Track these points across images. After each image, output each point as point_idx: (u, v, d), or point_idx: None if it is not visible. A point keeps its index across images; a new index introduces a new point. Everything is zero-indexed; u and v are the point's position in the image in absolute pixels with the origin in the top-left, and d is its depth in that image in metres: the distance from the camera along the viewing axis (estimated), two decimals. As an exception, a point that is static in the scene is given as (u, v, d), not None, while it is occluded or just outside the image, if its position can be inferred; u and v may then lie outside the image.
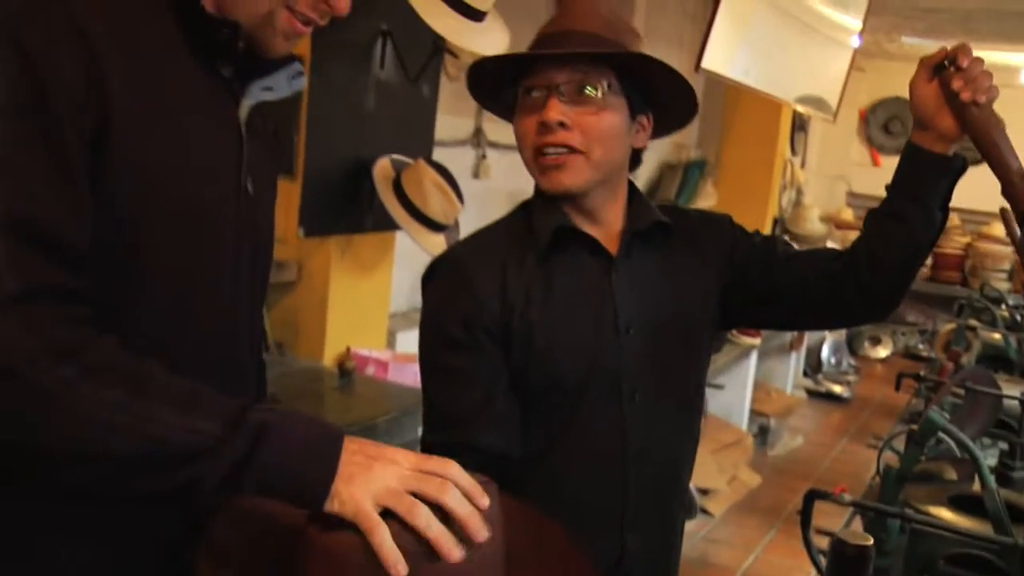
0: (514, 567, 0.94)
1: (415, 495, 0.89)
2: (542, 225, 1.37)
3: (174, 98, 1.03)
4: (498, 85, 1.39)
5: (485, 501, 0.92)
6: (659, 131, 1.45)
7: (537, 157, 1.34)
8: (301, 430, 0.92)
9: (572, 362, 1.36)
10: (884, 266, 1.41)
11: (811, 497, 1.79)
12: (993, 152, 1.28)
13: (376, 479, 0.89)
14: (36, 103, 0.91)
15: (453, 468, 0.92)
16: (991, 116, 1.32)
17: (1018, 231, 1.39)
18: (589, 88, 1.31)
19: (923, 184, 1.38)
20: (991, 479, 2.07)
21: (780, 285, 1.48)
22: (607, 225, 1.41)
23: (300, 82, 1.17)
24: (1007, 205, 2.22)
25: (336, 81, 2.56)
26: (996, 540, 1.90)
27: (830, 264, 1.46)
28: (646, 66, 1.34)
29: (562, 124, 1.30)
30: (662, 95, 1.39)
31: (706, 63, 3.36)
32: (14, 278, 0.88)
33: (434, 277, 1.40)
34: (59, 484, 0.94)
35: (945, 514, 2.09)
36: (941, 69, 1.36)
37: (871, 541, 1.66)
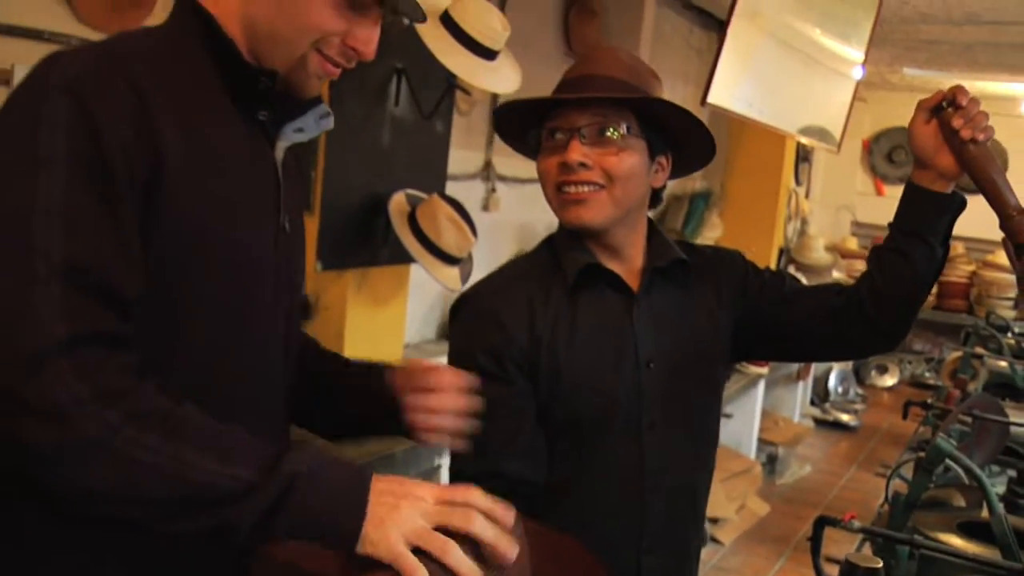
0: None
1: (444, 529, 0.93)
2: (569, 262, 1.43)
3: (219, 146, 1.08)
4: (524, 126, 1.46)
5: (510, 519, 0.96)
6: (679, 171, 1.51)
7: (559, 193, 1.40)
8: (331, 476, 0.96)
9: (596, 396, 1.41)
10: (889, 301, 1.47)
11: (821, 523, 1.82)
12: (991, 188, 1.33)
13: (405, 520, 0.93)
14: (93, 155, 0.96)
15: (475, 495, 0.96)
16: (988, 153, 1.38)
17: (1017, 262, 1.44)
18: (609, 130, 1.37)
19: (924, 221, 1.43)
20: (998, 505, 2.10)
21: (789, 320, 1.54)
22: (629, 261, 1.47)
23: (328, 122, 1.23)
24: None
25: (352, 118, 2.62)
26: (1004, 566, 1.93)
27: (836, 299, 1.52)
28: (664, 109, 1.40)
29: (583, 164, 1.37)
30: (680, 137, 1.45)
31: (712, 98, 3.42)
32: (66, 324, 0.92)
33: (463, 311, 1.46)
34: (100, 519, 0.98)
35: (954, 540, 2.12)
36: (940, 110, 1.42)
37: (880, 564, 1.70)
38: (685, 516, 1.50)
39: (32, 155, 0.95)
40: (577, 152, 1.37)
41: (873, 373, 8.12)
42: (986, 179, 1.35)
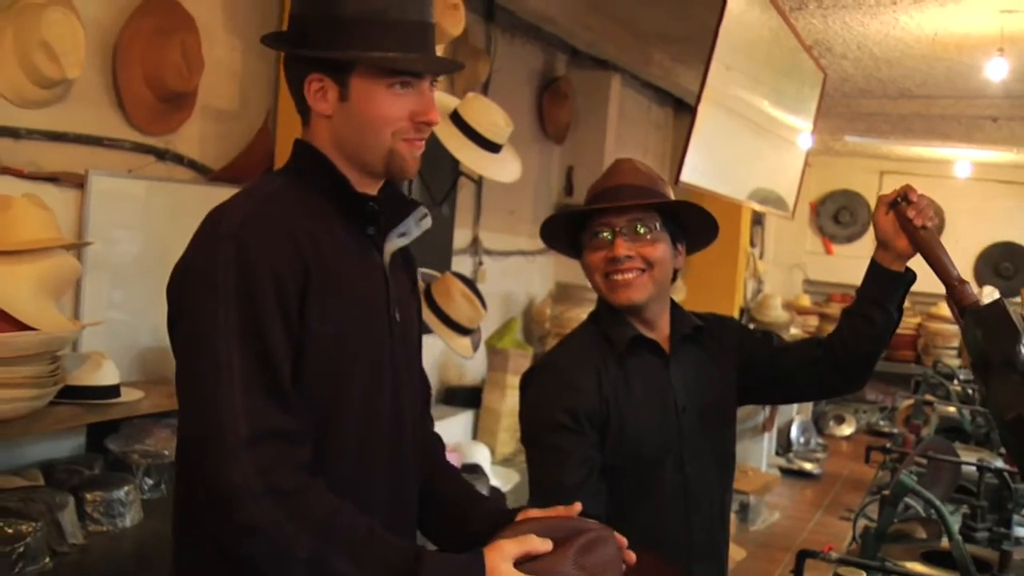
0: None
1: None
2: (617, 336, 1.77)
3: (345, 266, 1.32)
4: (566, 230, 1.81)
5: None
6: (689, 251, 1.85)
7: (606, 280, 1.75)
8: None
9: (652, 439, 1.75)
10: (855, 352, 1.85)
11: (802, 556, 2.11)
12: (937, 262, 1.68)
13: None
14: (255, 285, 1.21)
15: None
16: (934, 235, 1.73)
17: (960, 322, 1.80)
18: (641, 227, 1.73)
19: (883, 293, 1.81)
20: (956, 532, 2.40)
21: (778, 369, 1.92)
22: (660, 330, 1.82)
23: (427, 222, 1.46)
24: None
25: (372, 206, 2.92)
26: None
27: (814, 351, 1.90)
28: (682, 207, 1.77)
29: (628, 256, 1.72)
30: (692, 226, 1.81)
31: (684, 177, 3.73)
32: (247, 423, 1.15)
33: (540, 378, 1.79)
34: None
35: (919, 568, 2.40)
36: (896, 204, 1.77)
37: (864, 574, 2.00)
38: (718, 527, 1.83)
39: (213, 288, 1.20)
40: (623, 247, 1.72)
41: (832, 423, 8.49)
42: (933, 256, 1.71)
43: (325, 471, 1.25)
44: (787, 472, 6.98)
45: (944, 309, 8.05)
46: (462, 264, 4.18)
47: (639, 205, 1.73)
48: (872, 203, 9.23)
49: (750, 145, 4.76)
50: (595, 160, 5.25)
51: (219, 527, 1.19)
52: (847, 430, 8.38)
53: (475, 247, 4.36)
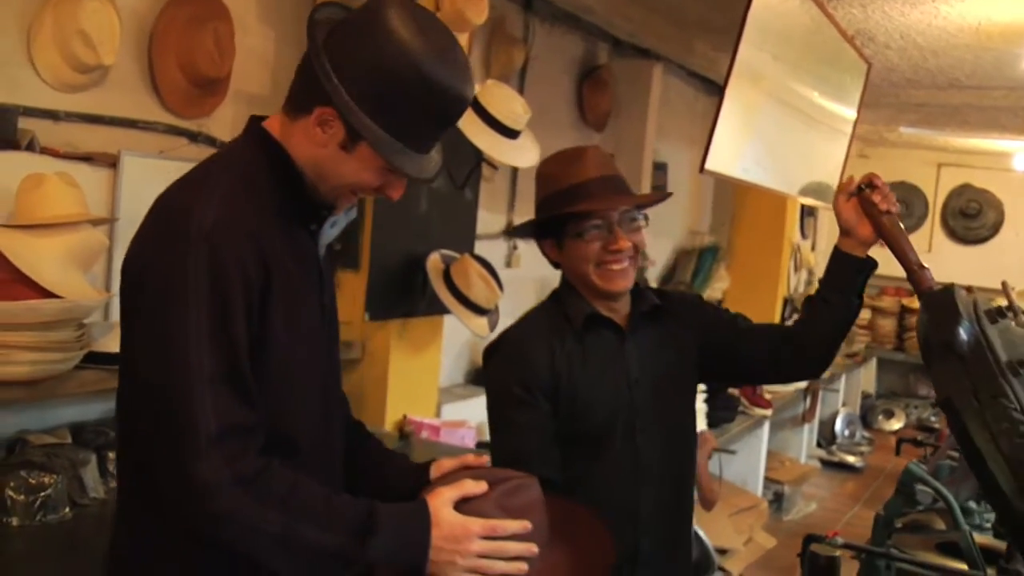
0: (555, 536, 1.41)
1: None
2: (575, 314, 1.85)
3: (291, 261, 1.39)
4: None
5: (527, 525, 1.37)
6: None
7: (598, 268, 1.81)
8: (403, 538, 1.32)
9: (602, 410, 1.82)
10: (816, 337, 1.90)
11: (808, 540, 2.15)
12: (898, 248, 1.72)
13: (459, 564, 1.33)
14: (226, 291, 1.26)
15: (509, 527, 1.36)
16: (897, 222, 1.77)
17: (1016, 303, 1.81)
18: (633, 218, 1.82)
19: (845, 279, 1.86)
20: (963, 521, 2.39)
21: (740, 351, 1.97)
22: (620, 308, 1.89)
23: (353, 212, 1.51)
24: (1004, 279, 2.62)
25: (394, 189, 3.04)
26: (970, 574, 2.23)
27: (775, 334, 1.97)
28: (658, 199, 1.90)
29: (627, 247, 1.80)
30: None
31: (710, 164, 3.75)
32: (216, 420, 1.24)
33: (496, 353, 1.87)
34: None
35: (927, 556, 2.42)
36: (860, 190, 1.81)
37: (838, 552, 2.05)
38: (673, 502, 1.89)
39: (183, 290, 1.25)
40: (624, 240, 1.79)
41: (880, 417, 8.41)
42: (895, 241, 1.75)
43: (281, 453, 1.34)
44: (828, 464, 6.95)
45: (998, 300, 7.90)
46: (495, 249, 4.26)
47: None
48: (929, 195, 9.10)
49: (794, 130, 4.69)
50: (636, 148, 5.30)
51: (193, 518, 1.28)
52: (896, 424, 8.29)
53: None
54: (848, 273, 1.85)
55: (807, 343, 1.90)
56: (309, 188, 1.40)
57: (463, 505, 1.37)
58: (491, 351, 1.89)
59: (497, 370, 1.86)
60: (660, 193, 1.84)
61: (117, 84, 2.60)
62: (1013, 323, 1.56)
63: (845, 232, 1.85)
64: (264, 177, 1.38)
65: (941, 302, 1.45)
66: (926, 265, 1.68)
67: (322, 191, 1.41)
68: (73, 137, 2.50)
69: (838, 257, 1.87)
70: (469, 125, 2.90)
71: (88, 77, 2.49)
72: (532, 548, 1.36)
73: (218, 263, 1.26)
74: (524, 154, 2.98)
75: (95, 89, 2.54)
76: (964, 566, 2.24)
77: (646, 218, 1.87)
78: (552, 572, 1.39)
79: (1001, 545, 2.40)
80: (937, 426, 8.12)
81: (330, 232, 1.48)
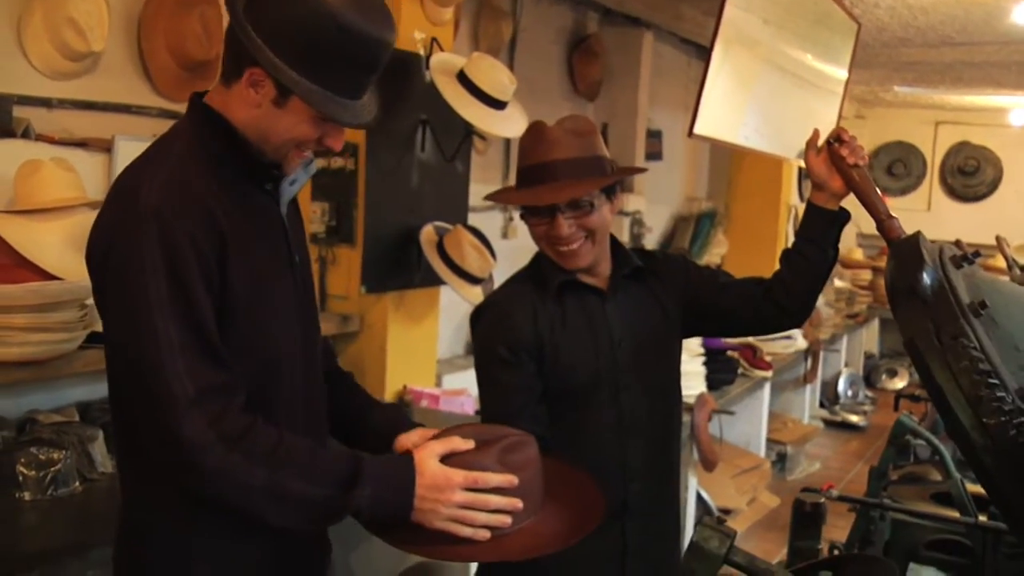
0: (547, 493, 1.48)
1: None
2: (551, 280, 1.89)
3: (251, 224, 1.46)
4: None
5: (513, 479, 1.43)
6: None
7: (552, 249, 1.86)
8: (388, 489, 1.38)
9: (583, 369, 1.88)
10: (793, 289, 1.95)
11: (803, 493, 2.22)
12: (867, 199, 1.77)
13: (441, 512, 1.40)
14: (182, 261, 1.33)
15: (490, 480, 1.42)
16: (866, 174, 1.82)
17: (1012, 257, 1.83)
18: (581, 203, 1.83)
19: (818, 231, 1.91)
20: (954, 469, 2.46)
21: (722, 305, 2.03)
22: (599, 272, 1.94)
23: (313, 167, 1.56)
24: (1002, 235, 2.63)
25: (385, 164, 3.08)
26: (960, 521, 2.29)
27: (755, 288, 2.01)
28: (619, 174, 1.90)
29: (570, 232, 1.82)
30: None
31: (700, 129, 3.78)
32: (191, 382, 1.30)
33: (482, 317, 1.94)
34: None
35: (920, 506, 2.47)
36: (830, 144, 1.86)
37: (823, 500, 2.11)
38: (659, 451, 1.96)
39: (140, 265, 1.31)
40: (563, 227, 1.81)
41: (884, 377, 8.46)
42: (865, 192, 1.80)
43: (263, 413, 1.41)
44: (831, 424, 7.01)
45: (998, 260, 7.92)
46: (491, 220, 4.30)
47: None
48: (927, 154, 9.10)
49: (788, 93, 4.70)
50: (629, 116, 5.33)
51: (183, 477, 1.35)
52: (899, 383, 8.33)
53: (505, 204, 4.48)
54: (821, 225, 1.90)
55: (786, 295, 1.95)
56: (255, 150, 1.45)
57: (464, 458, 1.43)
58: (477, 315, 1.95)
59: (483, 333, 1.92)
60: (598, 181, 1.84)
61: (108, 70, 2.65)
62: (981, 270, 1.61)
63: (817, 186, 1.90)
64: (208, 145, 1.44)
65: (907, 249, 1.49)
66: (894, 215, 1.73)
67: (267, 151, 1.46)
68: (67, 124, 2.55)
69: (811, 210, 1.92)
70: (456, 98, 2.95)
71: (80, 64, 2.54)
72: (516, 503, 1.41)
73: (168, 237, 1.33)
74: (512, 125, 3.02)
75: (87, 76, 2.60)
76: (956, 514, 2.31)
77: (612, 193, 1.88)
78: (543, 526, 1.45)
79: (993, 492, 2.45)
80: (940, 383, 8.17)
81: (290, 189, 1.55)
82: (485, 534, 1.41)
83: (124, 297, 1.35)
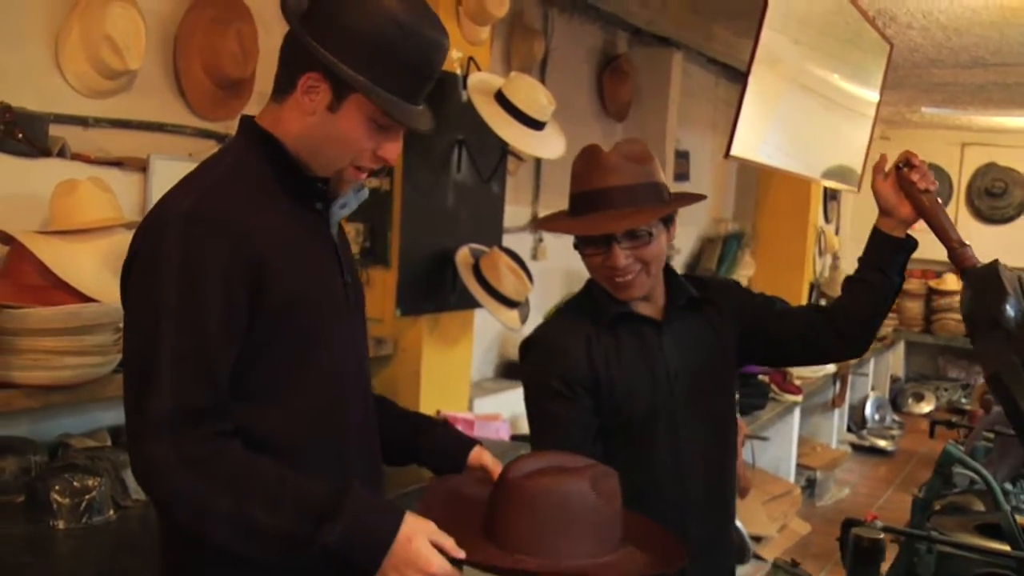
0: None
1: None
2: (604, 311, 1.83)
3: (299, 243, 1.41)
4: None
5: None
6: None
7: (608, 280, 1.80)
8: (364, 533, 1.29)
9: (641, 404, 1.82)
10: (856, 318, 1.89)
11: (848, 524, 2.14)
12: (938, 225, 1.71)
13: None
14: (199, 275, 1.29)
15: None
16: (936, 200, 1.76)
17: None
18: (639, 232, 1.76)
19: (885, 259, 1.84)
20: (1004, 501, 2.38)
21: (778, 334, 1.96)
22: (654, 302, 1.88)
23: (364, 193, 1.53)
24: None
25: (422, 184, 3.04)
26: (1013, 555, 2.22)
27: (816, 316, 1.95)
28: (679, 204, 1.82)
29: (627, 264, 1.76)
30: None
31: (735, 150, 3.73)
32: (173, 400, 1.26)
33: (533, 349, 1.87)
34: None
35: (968, 538, 2.39)
36: (899, 169, 1.80)
37: (882, 535, 2.04)
38: (716, 492, 1.88)
39: (155, 268, 1.29)
40: (620, 257, 1.74)
41: (910, 401, 8.35)
42: (935, 219, 1.73)
43: (335, 440, 1.37)
44: (859, 449, 6.92)
45: (1028, 283, 7.83)
46: (521, 241, 4.26)
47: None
48: (954, 176, 9.02)
49: (815, 113, 4.69)
50: (658, 137, 5.28)
51: (150, 496, 1.32)
52: (926, 408, 8.23)
53: (534, 225, 4.44)
54: (889, 253, 1.84)
55: (848, 323, 1.89)
56: (305, 168, 1.43)
57: (559, 479, 1.36)
58: (528, 346, 1.88)
59: (535, 366, 1.85)
60: (657, 210, 1.77)
61: (144, 88, 2.62)
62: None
63: (884, 212, 1.84)
64: (255, 164, 1.41)
65: (986, 278, 1.44)
66: (967, 242, 1.67)
67: (319, 168, 1.43)
68: (103, 142, 2.51)
69: (878, 237, 1.85)
70: (494, 117, 2.90)
71: (116, 83, 2.51)
72: None
73: (190, 244, 1.30)
74: (550, 145, 2.97)
75: (123, 94, 2.56)
76: (1006, 547, 2.23)
77: (669, 222, 1.82)
78: (626, 562, 1.40)
79: (1055, 528, 2.38)
80: (968, 408, 8.08)
81: (339, 213, 1.50)
82: None
83: (137, 303, 1.33)
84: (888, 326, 7.78)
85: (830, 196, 7.51)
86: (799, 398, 5.03)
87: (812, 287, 6.74)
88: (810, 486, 5.69)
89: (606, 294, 1.83)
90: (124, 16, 2.42)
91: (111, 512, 2.11)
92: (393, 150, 1.44)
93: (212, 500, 1.27)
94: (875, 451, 6.95)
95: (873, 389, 7.57)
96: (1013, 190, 8.58)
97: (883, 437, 7.02)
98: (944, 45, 5.18)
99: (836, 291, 7.00)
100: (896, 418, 7.79)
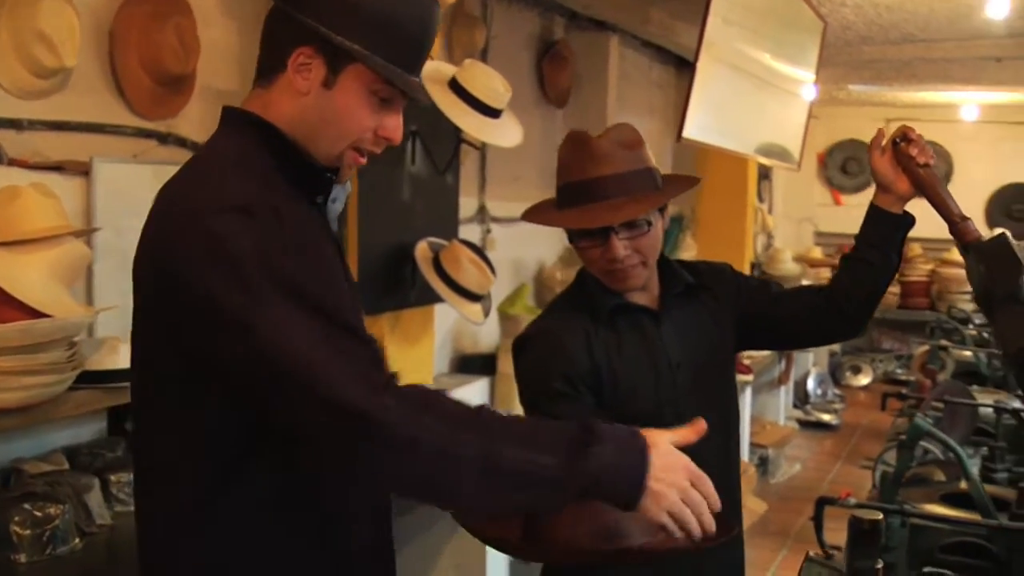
0: None
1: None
2: (601, 304, 1.77)
3: (313, 239, 1.31)
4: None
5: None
6: None
7: (606, 272, 1.74)
8: (618, 460, 1.17)
9: (645, 395, 1.76)
10: (856, 297, 1.85)
11: (821, 503, 2.13)
12: (938, 200, 1.68)
13: (668, 498, 1.19)
14: (271, 247, 1.18)
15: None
16: (935, 174, 1.73)
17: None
18: (638, 223, 1.70)
19: (883, 236, 1.81)
20: (974, 472, 2.40)
21: (778, 316, 1.92)
22: (650, 291, 1.83)
23: (348, 187, 1.43)
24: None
25: (376, 178, 2.93)
26: (984, 524, 2.23)
27: (814, 298, 1.91)
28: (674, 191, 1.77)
29: (626, 255, 1.70)
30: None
31: (686, 133, 3.73)
32: (370, 370, 1.13)
33: (528, 347, 1.79)
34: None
35: (937, 509, 2.41)
36: (896, 144, 1.76)
37: (880, 516, 2.02)
38: (723, 479, 1.83)
39: (240, 275, 1.15)
40: (619, 248, 1.69)
41: (848, 374, 8.50)
42: (935, 193, 1.70)
43: None
44: (805, 424, 7.01)
45: (956, 255, 8.03)
46: (470, 232, 4.18)
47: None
48: (879, 152, 9.16)
49: (753, 99, 4.75)
50: (598, 123, 5.23)
51: (373, 460, 1.12)
52: (864, 380, 8.39)
53: (482, 215, 4.37)
54: (887, 230, 1.81)
55: (849, 303, 1.85)
56: (305, 156, 1.32)
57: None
58: (522, 344, 1.81)
59: (533, 365, 1.78)
60: (655, 198, 1.72)
61: (80, 88, 2.47)
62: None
63: (882, 188, 1.80)
64: (259, 160, 1.29)
65: (1000, 253, 1.41)
66: (968, 216, 1.64)
67: (319, 153, 1.32)
68: (40, 146, 2.36)
69: (876, 214, 1.82)
70: (451, 107, 2.81)
71: (50, 82, 2.36)
72: (718, 503, 1.26)
73: (259, 239, 1.18)
74: (508, 133, 2.90)
75: (58, 94, 2.41)
76: (976, 516, 2.25)
77: (662, 211, 1.77)
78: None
79: (1010, 494, 2.41)
80: (904, 378, 8.25)
81: (334, 207, 1.41)
82: (696, 532, 1.21)
83: (226, 310, 1.15)
84: (824, 301, 7.91)
85: (762, 175, 7.58)
86: (749, 378, 5.05)
87: (753, 266, 6.80)
88: (763, 464, 5.73)
89: (600, 286, 1.78)
90: (56, 11, 2.27)
91: (76, 540, 1.99)
92: (396, 127, 1.34)
93: (458, 442, 1.11)
94: (820, 425, 7.05)
95: (814, 365, 7.68)
96: (937, 163, 8.77)
97: (827, 411, 7.14)
98: (875, 22, 5.25)
99: (776, 270, 7.11)
100: (837, 392, 7.92)
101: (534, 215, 1.81)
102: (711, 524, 1.22)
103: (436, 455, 1.11)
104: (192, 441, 1.26)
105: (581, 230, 1.72)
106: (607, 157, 1.69)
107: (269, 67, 1.31)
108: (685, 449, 1.73)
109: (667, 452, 1.22)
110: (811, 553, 1.32)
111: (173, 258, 1.20)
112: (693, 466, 1.24)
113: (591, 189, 1.69)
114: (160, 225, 1.27)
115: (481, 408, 1.17)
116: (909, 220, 1.82)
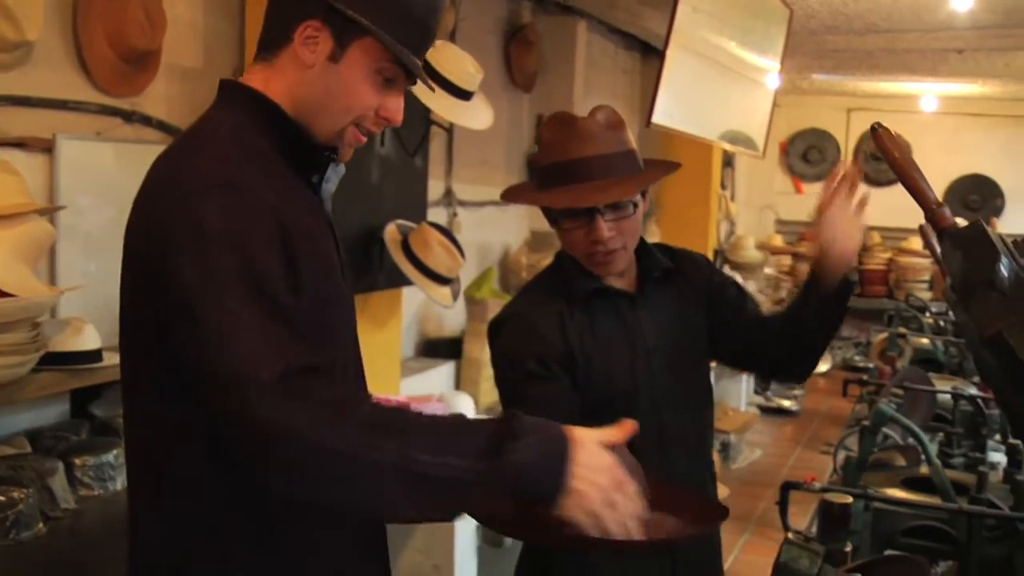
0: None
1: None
2: (578, 287, 1.76)
3: (307, 218, 1.29)
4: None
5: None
6: None
7: (589, 256, 1.73)
8: (539, 457, 1.14)
9: (620, 380, 1.75)
10: (803, 356, 1.87)
11: (787, 487, 2.14)
12: (915, 186, 1.68)
13: (588, 497, 1.16)
14: (251, 229, 1.16)
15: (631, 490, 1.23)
16: (911, 160, 1.73)
17: (938, 246, 1.80)
18: (624, 204, 1.69)
19: (830, 304, 1.78)
20: (935, 456, 2.44)
21: (738, 325, 1.89)
22: (627, 275, 1.82)
23: (341, 168, 1.40)
24: (924, 221, 2.64)
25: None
26: (944, 507, 2.27)
27: (774, 321, 1.88)
28: (658, 174, 1.76)
29: (611, 237, 1.69)
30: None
31: (656, 119, 3.73)
32: (278, 361, 1.08)
33: (503, 329, 1.78)
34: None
35: (899, 493, 2.45)
36: (873, 131, 1.77)
37: (851, 500, 2.05)
38: (698, 460, 1.85)
39: (202, 240, 1.13)
40: (604, 229, 1.68)
41: (807, 361, 8.59)
42: (912, 179, 1.70)
43: None
44: (766, 410, 7.08)
45: (915, 243, 8.14)
46: (436, 216, 4.16)
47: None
48: (841, 141, 9.29)
49: (719, 86, 4.77)
50: (564, 107, 5.16)
51: (287, 466, 1.09)
52: (823, 367, 8.47)
53: (448, 198, 4.35)
54: (833, 303, 1.78)
55: (798, 363, 1.89)
56: (304, 133, 1.30)
57: None
58: (497, 326, 1.80)
59: (507, 347, 1.77)
60: (640, 179, 1.71)
61: (43, 62, 2.41)
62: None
63: (825, 248, 1.75)
64: (255, 137, 1.28)
65: (975, 239, 1.42)
66: (943, 202, 1.65)
67: (319, 130, 1.30)
68: (1, 121, 2.30)
69: (819, 290, 1.76)
70: (421, 89, 2.78)
71: (11, 56, 2.30)
72: (639, 510, 1.22)
73: (234, 217, 1.17)
74: (479, 115, 2.88)
75: (20, 68, 2.35)
76: (937, 500, 2.29)
77: (644, 195, 1.76)
78: (664, 522, 1.34)
79: (968, 478, 2.45)
80: (862, 364, 8.36)
81: (327, 188, 1.39)
82: (615, 535, 1.18)
83: (186, 279, 1.13)
84: (784, 288, 7.98)
85: (725, 163, 7.63)
86: (712, 364, 5.08)
87: (716, 253, 6.84)
88: (724, 449, 5.78)
89: (579, 269, 1.77)
90: (18, -18, 2.21)
91: (40, 525, 1.94)
92: (397, 108, 1.32)
93: (366, 450, 1.08)
94: (781, 411, 7.13)
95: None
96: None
97: (787, 398, 7.21)
98: (840, 11, 5.28)
99: (739, 256, 7.16)
100: (796, 378, 8.00)
101: (515, 195, 1.79)
102: (634, 529, 1.20)
103: (346, 461, 1.08)
104: (176, 433, 1.25)
105: (565, 210, 1.71)
106: (593, 137, 1.68)
107: (273, 40, 1.30)
108: (667, 435, 1.74)
109: (592, 452, 1.20)
110: (790, 535, 1.33)
111: (159, 235, 1.19)
112: (618, 469, 1.21)
113: (577, 169, 1.67)
114: (149, 197, 1.26)
115: (400, 412, 1.15)
116: (851, 286, 1.78)
